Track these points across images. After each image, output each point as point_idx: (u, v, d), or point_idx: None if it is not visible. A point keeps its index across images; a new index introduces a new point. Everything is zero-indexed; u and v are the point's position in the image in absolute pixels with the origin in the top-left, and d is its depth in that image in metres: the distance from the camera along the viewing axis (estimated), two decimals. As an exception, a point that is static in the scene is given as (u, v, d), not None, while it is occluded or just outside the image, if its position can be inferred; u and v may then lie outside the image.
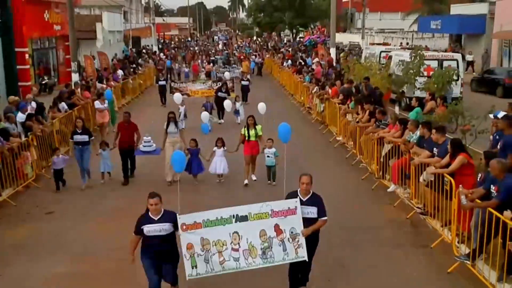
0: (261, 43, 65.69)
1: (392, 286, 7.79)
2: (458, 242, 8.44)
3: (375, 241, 9.33)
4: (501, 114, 10.49)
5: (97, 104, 17.63)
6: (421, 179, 9.79)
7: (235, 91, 22.70)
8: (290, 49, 50.03)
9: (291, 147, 16.24)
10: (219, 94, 20.74)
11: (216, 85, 22.18)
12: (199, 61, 40.43)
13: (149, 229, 6.65)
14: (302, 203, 6.92)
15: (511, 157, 8.45)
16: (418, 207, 9.84)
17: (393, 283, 7.86)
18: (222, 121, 20.50)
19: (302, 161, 14.60)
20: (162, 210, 6.73)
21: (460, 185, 7.86)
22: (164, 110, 19.70)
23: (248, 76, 26.12)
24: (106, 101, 17.86)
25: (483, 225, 7.41)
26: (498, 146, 9.19)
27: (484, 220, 7.34)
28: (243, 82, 25.23)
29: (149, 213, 6.70)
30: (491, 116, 11.13)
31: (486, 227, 7.29)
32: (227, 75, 25.67)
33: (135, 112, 23.45)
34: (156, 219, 6.67)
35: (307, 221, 6.92)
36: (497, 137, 9.74)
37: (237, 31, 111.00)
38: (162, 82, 25.48)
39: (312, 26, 67.60)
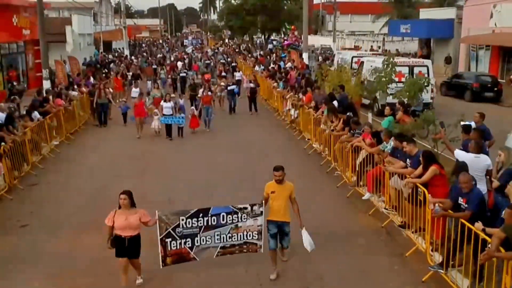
0: (234, 46, 65.67)
1: (368, 296, 7.95)
2: (432, 250, 8.67)
3: (350, 250, 9.48)
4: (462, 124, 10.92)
5: None
6: (391, 182, 10.05)
7: None
8: (261, 52, 50.23)
9: (265, 153, 16.48)
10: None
11: None
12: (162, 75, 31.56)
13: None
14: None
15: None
16: (401, 226, 9.97)
17: (370, 293, 8.03)
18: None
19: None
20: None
21: (429, 196, 8.14)
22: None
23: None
24: None
25: (455, 236, 7.67)
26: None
27: (456, 231, 7.59)
28: None
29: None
30: (462, 124, 11.47)
31: (459, 237, 7.54)
32: None
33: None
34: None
35: None
36: (461, 147, 10.13)
37: (208, 33, 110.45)
38: None
39: (284, 30, 68.01)
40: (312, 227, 10.34)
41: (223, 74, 29.39)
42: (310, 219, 10.83)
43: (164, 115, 18.40)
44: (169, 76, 31.38)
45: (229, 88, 23.66)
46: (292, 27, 63.56)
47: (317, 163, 15.16)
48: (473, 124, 11.28)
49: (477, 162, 8.90)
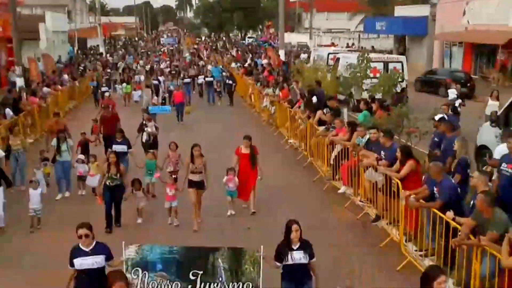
0: (210, 44, 65.43)
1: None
2: (405, 241, 8.84)
3: (326, 242, 9.55)
4: (437, 117, 11.10)
5: None
6: (366, 174, 10.21)
7: None
8: (239, 49, 50.12)
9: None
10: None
11: None
12: None
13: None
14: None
15: (450, 159, 8.95)
16: (374, 220, 10.12)
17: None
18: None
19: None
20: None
21: (402, 191, 8.33)
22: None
23: None
24: None
25: (428, 225, 7.88)
26: (441, 148, 9.68)
27: (429, 220, 7.79)
28: None
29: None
30: (436, 118, 11.72)
31: (431, 226, 7.73)
32: None
33: (83, 117, 22.94)
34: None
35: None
36: (435, 138, 10.28)
37: (185, 31, 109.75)
38: None
39: (260, 27, 68.19)
40: (287, 219, 10.46)
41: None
42: (287, 213, 10.95)
43: None
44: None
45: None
46: (269, 23, 63.62)
47: (294, 158, 15.27)
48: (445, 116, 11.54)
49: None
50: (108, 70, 31.45)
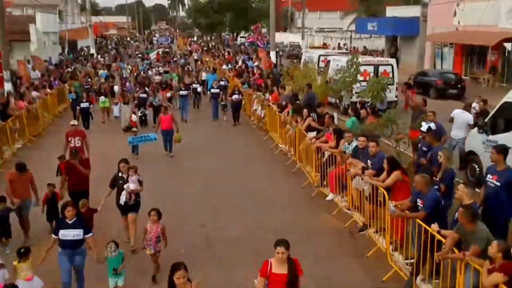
0: (203, 44, 65.30)
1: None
2: (392, 250, 8.83)
3: (313, 250, 9.54)
4: (425, 127, 11.10)
5: None
6: (353, 182, 10.20)
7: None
8: (230, 49, 49.97)
9: (232, 153, 16.51)
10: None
11: None
12: None
13: None
14: None
15: (436, 170, 8.94)
16: (361, 230, 10.10)
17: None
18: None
19: (242, 168, 14.75)
20: None
21: (388, 201, 8.33)
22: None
23: None
24: None
25: (413, 235, 7.86)
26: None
27: (414, 231, 7.78)
28: None
29: None
30: (424, 124, 11.71)
31: (416, 236, 7.72)
32: None
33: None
34: None
35: None
36: (424, 148, 10.27)
37: (177, 30, 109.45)
38: None
39: (252, 28, 68.05)
40: (275, 228, 10.45)
41: None
42: (274, 220, 10.95)
43: None
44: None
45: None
46: (255, 25, 63.24)
47: (283, 163, 15.22)
48: (432, 125, 11.53)
49: (462, 116, 12.95)
50: (89, 79, 26.88)
